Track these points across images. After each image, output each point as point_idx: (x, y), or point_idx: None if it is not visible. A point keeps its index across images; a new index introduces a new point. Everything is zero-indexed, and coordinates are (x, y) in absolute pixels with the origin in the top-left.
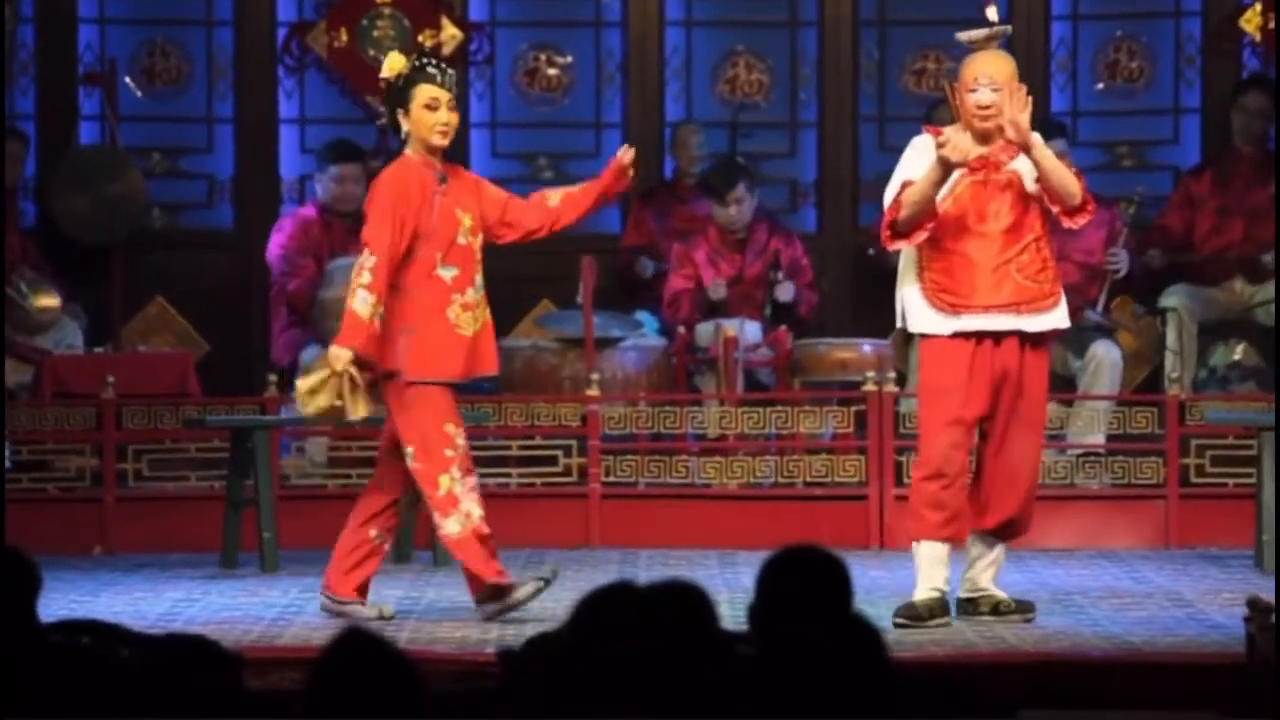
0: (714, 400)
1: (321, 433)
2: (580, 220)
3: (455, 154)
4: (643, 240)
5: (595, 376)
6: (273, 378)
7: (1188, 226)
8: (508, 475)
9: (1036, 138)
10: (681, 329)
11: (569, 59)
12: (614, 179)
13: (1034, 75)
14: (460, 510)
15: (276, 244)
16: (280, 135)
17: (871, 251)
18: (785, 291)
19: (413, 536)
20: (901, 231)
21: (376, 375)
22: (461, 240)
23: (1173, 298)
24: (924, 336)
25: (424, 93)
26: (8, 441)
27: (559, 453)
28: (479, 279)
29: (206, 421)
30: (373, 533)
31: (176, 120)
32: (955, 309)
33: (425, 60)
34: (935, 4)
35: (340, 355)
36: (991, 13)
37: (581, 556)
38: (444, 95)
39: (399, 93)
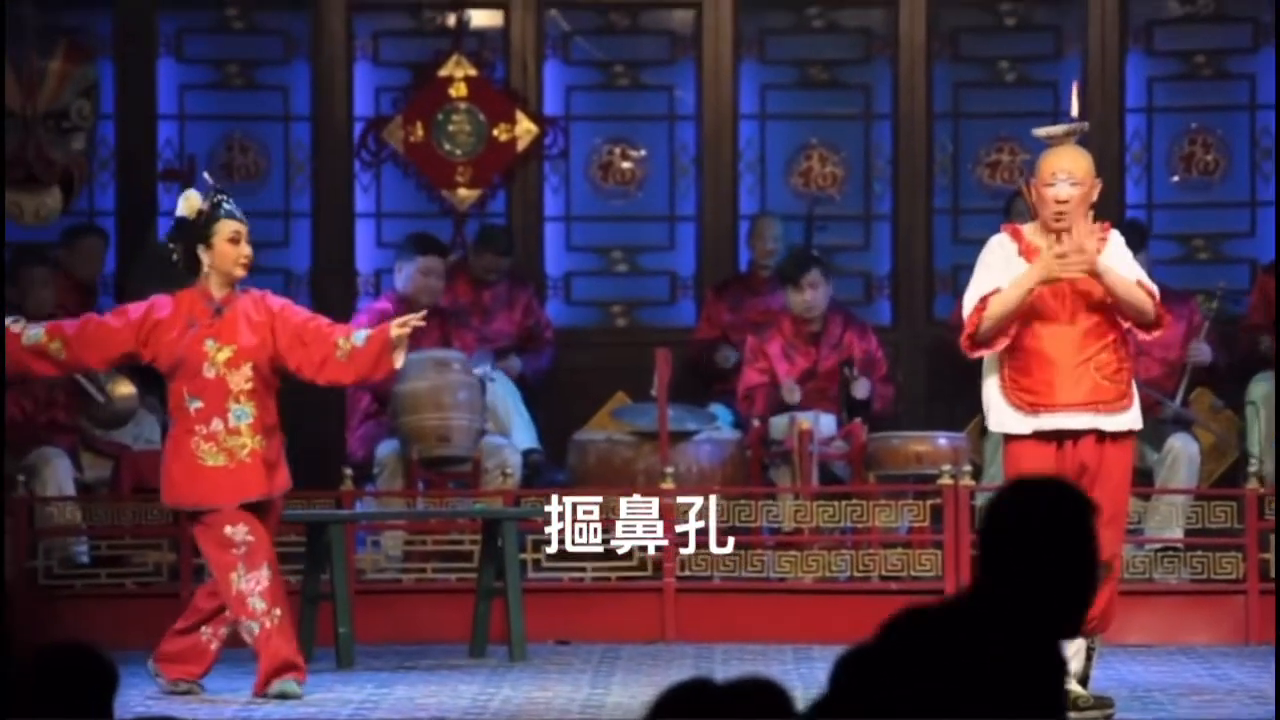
0: (789, 494)
1: (397, 526)
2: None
3: (530, 248)
4: (715, 333)
5: (670, 470)
6: (348, 472)
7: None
8: (583, 569)
9: (1103, 264)
10: (756, 422)
11: (643, 152)
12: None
13: (1109, 168)
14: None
15: None
16: (357, 229)
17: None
18: (861, 389)
19: (488, 631)
20: (983, 340)
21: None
22: (209, 373)
23: (1257, 390)
24: (1006, 438)
25: (227, 227)
26: (86, 537)
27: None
28: (236, 410)
29: (283, 516)
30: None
31: (254, 215)
32: (1034, 408)
33: (222, 198)
34: (1009, 97)
35: None
36: (1075, 102)
37: (656, 651)
38: (244, 229)
39: (200, 229)
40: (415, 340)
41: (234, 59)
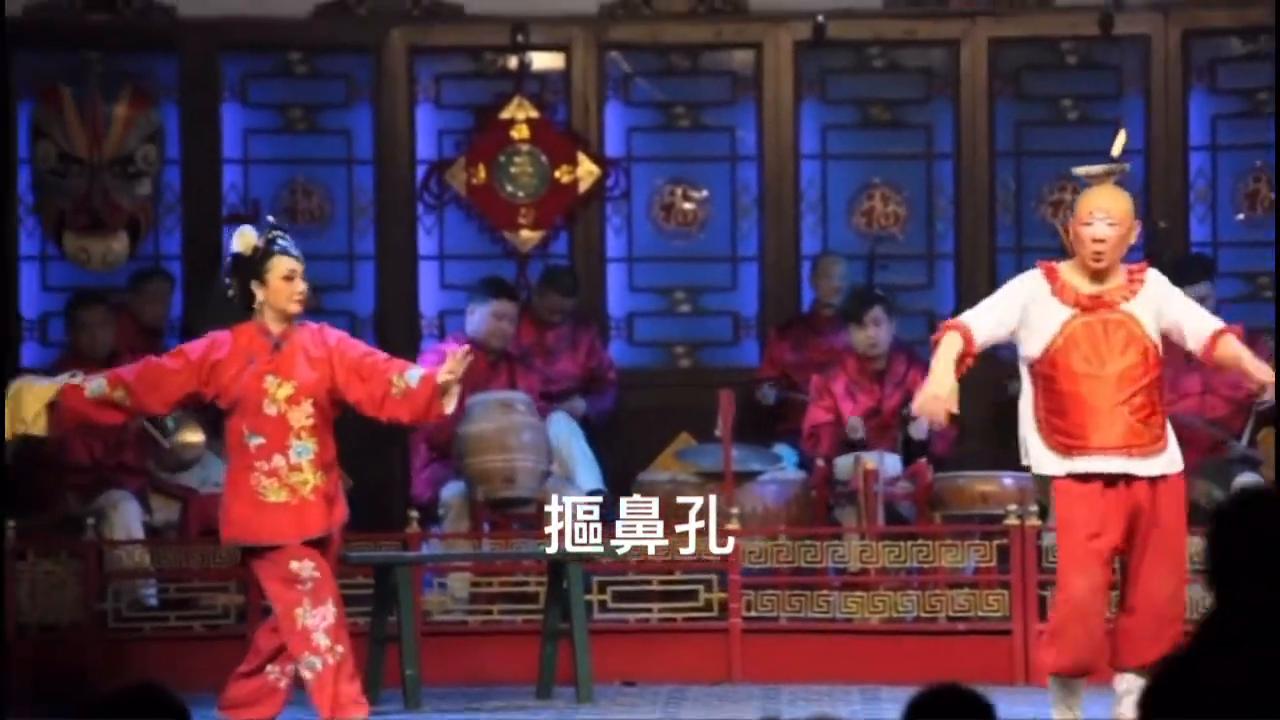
0: (854, 534)
1: (464, 568)
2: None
3: (593, 289)
4: (774, 373)
5: (735, 510)
6: (414, 514)
7: None
8: (648, 610)
9: (1235, 349)
10: (821, 462)
11: (705, 193)
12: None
13: (1173, 206)
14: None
15: None
16: (420, 271)
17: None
18: (918, 429)
19: (554, 672)
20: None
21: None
22: (270, 410)
23: None
24: (1054, 475)
25: (282, 265)
26: (155, 580)
27: (700, 587)
28: (298, 446)
29: (349, 558)
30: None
31: (317, 258)
32: (1069, 450)
33: (277, 234)
34: (1071, 136)
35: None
36: (1118, 144)
37: (723, 692)
38: (299, 267)
39: (256, 265)
40: (481, 382)
41: (297, 103)
